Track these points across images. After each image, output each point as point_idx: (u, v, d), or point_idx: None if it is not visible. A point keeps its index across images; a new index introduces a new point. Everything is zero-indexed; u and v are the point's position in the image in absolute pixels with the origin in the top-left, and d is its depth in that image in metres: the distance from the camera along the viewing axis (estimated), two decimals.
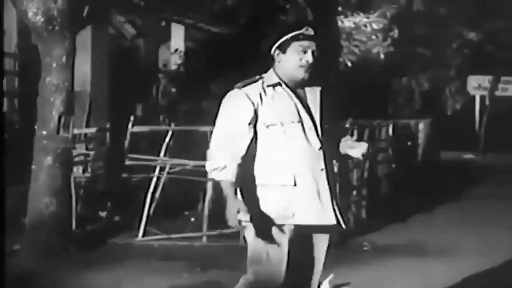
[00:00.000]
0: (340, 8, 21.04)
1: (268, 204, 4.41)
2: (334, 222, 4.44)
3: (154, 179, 9.98)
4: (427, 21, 20.52)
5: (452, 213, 12.34)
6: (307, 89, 4.56)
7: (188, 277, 7.73)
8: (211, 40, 16.43)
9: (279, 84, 4.50)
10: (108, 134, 11.02)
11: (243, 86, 4.48)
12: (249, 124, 4.42)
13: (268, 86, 4.49)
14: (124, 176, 10.30)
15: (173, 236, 9.50)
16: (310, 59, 4.46)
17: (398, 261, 8.45)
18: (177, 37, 17.20)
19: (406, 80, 20.49)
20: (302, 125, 4.45)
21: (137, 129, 10.52)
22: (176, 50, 15.61)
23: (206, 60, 14.07)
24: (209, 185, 9.79)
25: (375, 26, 22.44)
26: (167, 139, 10.19)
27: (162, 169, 10.08)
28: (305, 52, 4.47)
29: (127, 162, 10.10)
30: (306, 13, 19.11)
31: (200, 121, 12.06)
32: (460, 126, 26.60)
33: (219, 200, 10.18)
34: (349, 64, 21.73)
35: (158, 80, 15.69)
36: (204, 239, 9.57)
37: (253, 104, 4.43)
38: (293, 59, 4.47)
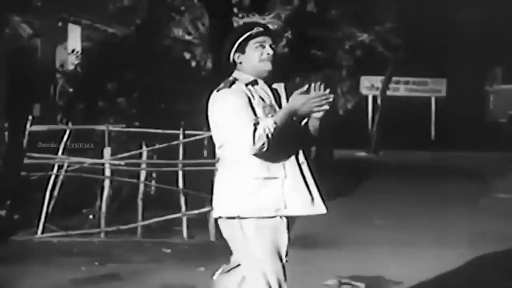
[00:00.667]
0: (235, 10, 21.40)
1: (261, 197, 4.49)
2: (324, 211, 4.61)
3: (53, 178, 10.20)
4: (320, 22, 21.03)
5: (343, 207, 12.94)
6: (274, 85, 4.70)
7: (87, 270, 8.02)
8: (107, 41, 16.61)
9: (255, 81, 4.64)
10: (6, 133, 11.16)
11: (229, 87, 4.61)
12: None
13: (246, 84, 4.62)
14: (23, 175, 10.46)
15: (72, 232, 9.76)
16: (270, 51, 4.61)
17: (291, 253, 8.88)
18: (74, 38, 17.32)
19: (299, 81, 20.93)
20: None
21: (35, 128, 10.69)
22: (73, 50, 15.75)
23: (103, 60, 14.24)
24: (107, 183, 10.09)
25: (270, 27, 22.94)
26: (65, 138, 10.43)
27: (60, 167, 10.31)
28: (263, 47, 4.62)
29: (26, 161, 10.28)
30: (203, 13, 19.46)
31: (97, 120, 12.30)
32: (353, 125, 27.37)
33: (116, 198, 10.53)
34: None
35: (55, 80, 15.78)
36: (102, 235, 9.85)
37: (248, 97, 4.56)
38: (254, 55, 4.62)
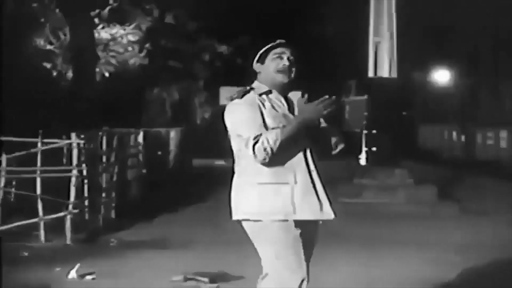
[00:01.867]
0: (96, 20, 21.68)
1: (271, 201, 4.62)
2: (332, 216, 4.73)
3: None
4: (179, 34, 21.58)
5: (198, 211, 13.60)
6: (290, 94, 4.84)
7: None
8: None
9: (270, 91, 4.75)
10: None
11: (241, 97, 4.71)
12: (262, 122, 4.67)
13: (260, 94, 4.72)
14: None
15: None
16: (287, 63, 4.72)
17: (141, 254, 9.43)
18: None
19: (158, 91, 21.44)
20: None
21: None
22: None
23: None
24: None
25: (131, 38, 23.25)
26: None
27: None
28: (281, 58, 4.74)
29: None
30: (64, 23, 19.59)
31: None
32: (212, 134, 28.04)
33: None
34: (107, 74, 22.42)
35: None
36: None
37: (259, 107, 4.67)
38: (271, 66, 4.74)
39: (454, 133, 27.23)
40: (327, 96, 4.58)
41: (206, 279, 7.75)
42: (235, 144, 4.70)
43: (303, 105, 4.60)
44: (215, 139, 28.56)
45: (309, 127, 4.65)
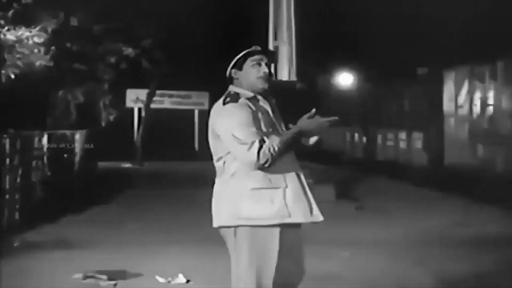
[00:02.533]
0: (2, 22, 21.51)
1: (264, 206, 4.67)
2: (321, 218, 4.82)
3: None
4: (84, 37, 21.60)
5: (101, 213, 13.82)
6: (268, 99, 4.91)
7: None
8: None
9: (255, 97, 4.81)
10: None
11: (233, 101, 4.76)
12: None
13: (247, 99, 4.78)
14: None
15: None
16: (266, 70, 4.82)
17: (45, 255, 9.64)
18: None
19: (63, 93, 21.46)
20: (280, 131, 4.84)
21: None
22: None
23: None
24: None
25: (36, 39, 23.12)
26: None
27: None
28: (259, 65, 4.83)
29: None
30: None
31: None
32: (119, 137, 28.12)
33: None
34: (12, 76, 22.24)
35: None
36: None
37: (251, 111, 4.73)
38: (251, 72, 4.81)
39: (356, 135, 27.96)
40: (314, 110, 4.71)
41: (105, 277, 8.03)
42: (224, 147, 4.73)
43: (306, 119, 4.67)
44: (123, 142, 28.78)
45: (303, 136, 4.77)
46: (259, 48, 4.87)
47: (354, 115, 27.55)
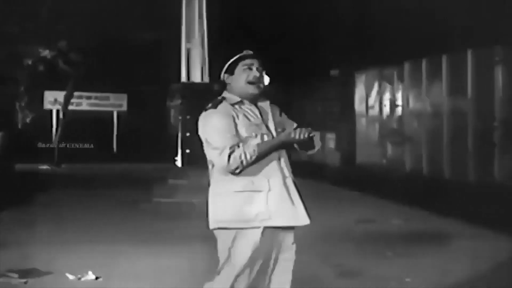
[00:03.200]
0: None
1: (246, 209, 4.71)
2: (307, 222, 4.85)
3: None
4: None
5: (17, 214, 13.92)
6: (259, 103, 4.94)
7: None
8: None
9: (241, 101, 4.84)
10: None
11: (215, 107, 4.79)
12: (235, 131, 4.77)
13: (233, 104, 4.81)
14: None
15: None
16: (257, 74, 4.83)
17: None
18: None
19: None
20: (267, 136, 4.81)
21: None
22: None
23: None
24: None
25: None
26: None
27: None
28: (250, 69, 4.85)
29: None
30: None
31: None
32: (36, 139, 27.98)
33: None
34: None
35: None
36: None
37: (232, 117, 4.76)
38: (242, 77, 4.84)
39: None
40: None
41: (16, 275, 8.21)
42: (207, 153, 4.80)
43: (289, 132, 4.72)
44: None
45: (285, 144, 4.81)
46: (250, 52, 4.92)
47: None
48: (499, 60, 13.44)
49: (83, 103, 32.62)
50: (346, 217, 13.29)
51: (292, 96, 26.47)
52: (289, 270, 5.02)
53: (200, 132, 4.84)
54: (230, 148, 4.65)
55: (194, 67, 16.17)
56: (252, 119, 4.82)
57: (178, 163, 16.64)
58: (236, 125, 4.76)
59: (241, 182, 4.72)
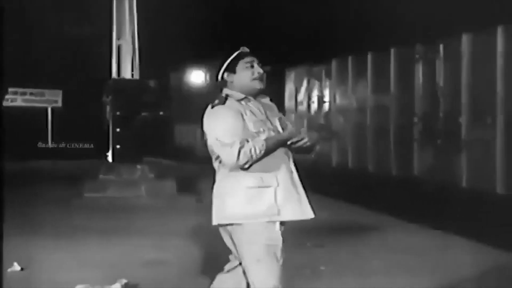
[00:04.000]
0: None
1: (256, 204, 4.80)
2: (312, 216, 4.97)
3: None
4: None
5: None
6: (261, 100, 5.04)
7: None
8: None
9: (246, 98, 4.92)
10: None
11: (222, 103, 4.87)
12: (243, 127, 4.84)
13: (238, 100, 4.90)
14: None
15: None
16: (261, 70, 4.97)
17: None
18: None
19: None
20: (273, 131, 4.91)
21: None
22: None
23: None
24: None
25: None
26: None
27: None
28: (252, 66, 4.97)
29: None
30: None
31: None
32: None
33: None
34: None
35: None
36: None
37: (241, 113, 4.85)
38: (246, 75, 4.93)
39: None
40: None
41: None
42: (214, 148, 4.87)
43: (296, 131, 4.93)
44: None
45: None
46: (247, 50, 5.01)
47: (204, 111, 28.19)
48: (419, 57, 13.93)
49: (17, 99, 32.44)
50: None
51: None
52: None
53: (206, 128, 4.91)
54: (240, 143, 4.72)
55: (125, 64, 16.37)
56: (258, 115, 4.91)
57: (109, 158, 16.85)
58: (244, 121, 4.83)
59: (251, 178, 4.81)
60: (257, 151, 4.74)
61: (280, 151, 4.89)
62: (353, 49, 16.78)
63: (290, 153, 4.98)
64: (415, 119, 14.09)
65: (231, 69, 4.96)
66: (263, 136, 4.83)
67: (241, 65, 4.95)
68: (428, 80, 13.80)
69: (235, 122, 4.79)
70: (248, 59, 4.97)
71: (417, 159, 14.03)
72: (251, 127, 4.83)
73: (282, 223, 4.89)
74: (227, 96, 4.90)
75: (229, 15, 27.41)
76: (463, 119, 12.52)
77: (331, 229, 11.65)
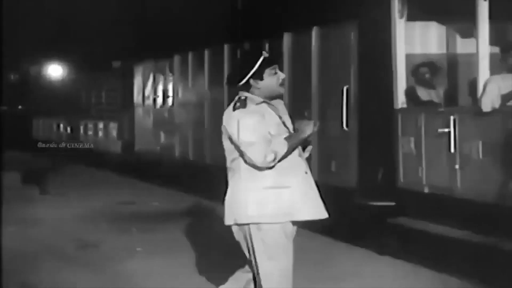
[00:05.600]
0: None
1: (273, 204, 4.98)
2: (326, 215, 5.14)
3: None
4: None
5: None
6: (274, 102, 5.20)
7: None
8: None
9: (263, 102, 5.09)
10: None
11: (244, 106, 5.04)
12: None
13: (256, 104, 5.06)
14: None
15: None
16: (284, 76, 5.19)
17: None
18: None
19: None
20: (287, 132, 5.13)
21: None
22: None
23: None
24: None
25: None
26: None
27: None
28: (276, 72, 5.13)
29: None
30: None
31: None
32: None
33: None
34: None
35: None
36: None
37: (260, 115, 5.03)
38: (273, 81, 5.09)
39: (62, 125, 28.95)
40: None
41: None
42: (236, 150, 5.03)
43: (304, 127, 5.10)
44: None
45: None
46: (267, 55, 5.14)
47: (61, 105, 28.54)
48: None
49: None
50: (110, 200, 14.41)
51: (83, 87, 27.17)
52: None
53: (229, 129, 5.06)
54: (266, 142, 4.94)
55: None
56: (275, 117, 5.12)
57: None
58: (265, 123, 5.02)
59: (267, 179, 4.99)
60: (281, 152, 4.96)
61: (295, 152, 5.10)
62: (193, 44, 17.49)
63: (303, 154, 5.21)
64: None
65: (258, 76, 5.09)
66: (282, 137, 5.06)
67: (268, 72, 5.09)
68: None
69: (259, 124, 4.98)
70: (273, 65, 5.12)
71: None
72: (273, 129, 5.04)
73: (294, 223, 5.12)
74: (246, 99, 5.07)
75: (83, 10, 27.81)
76: None
77: (160, 216, 12.52)
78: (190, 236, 10.47)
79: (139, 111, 21.22)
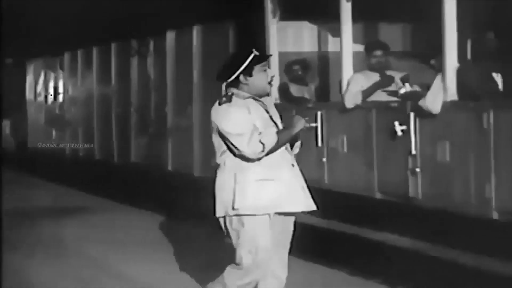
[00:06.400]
0: None
1: (263, 196, 5.06)
2: (314, 207, 5.26)
3: None
4: None
5: None
6: (262, 99, 5.27)
7: None
8: None
9: (250, 97, 5.17)
10: None
11: (229, 101, 5.16)
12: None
13: (244, 99, 5.16)
14: None
15: None
16: (273, 74, 5.38)
17: None
18: None
19: None
20: (276, 129, 5.25)
21: None
22: None
23: None
24: None
25: None
26: None
27: None
28: (265, 70, 5.23)
29: None
30: None
31: None
32: None
33: None
34: None
35: None
36: None
37: (246, 109, 5.15)
38: (262, 78, 5.19)
39: None
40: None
41: None
42: (226, 143, 5.14)
43: (298, 122, 5.25)
44: None
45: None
46: (258, 53, 5.23)
47: None
48: (134, 52, 15.04)
49: None
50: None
51: None
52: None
53: (217, 123, 5.18)
54: (254, 137, 5.06)
55: None
56: (262, 113, 5.22)
57: None
58: (250, 117, 5.14)
59: (255, 171, 5.10)
60: (272, 142, 5.08)
61: (284, 147, 5.25)
62: (82, 42, 17.61)
63: (290, 150, 5.32)
64: (132, 110, 15.21)
65: (248, 72, 5.19)
66: (273, 130, 5.19)
67: (258, 69, 5.19)
68: (142, 74, 14.95)
69: (245, 117, 5.11)
70: (264, 63, 5.23)
71: (134, 147, 15.17)
72: (259, 124, 5.15)
73: (285, 214, 5.24)
74: (232, 95, 5.18)
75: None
76: (168, 109, 13.76)
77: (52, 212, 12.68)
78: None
79: (31, 108, 21.20)
